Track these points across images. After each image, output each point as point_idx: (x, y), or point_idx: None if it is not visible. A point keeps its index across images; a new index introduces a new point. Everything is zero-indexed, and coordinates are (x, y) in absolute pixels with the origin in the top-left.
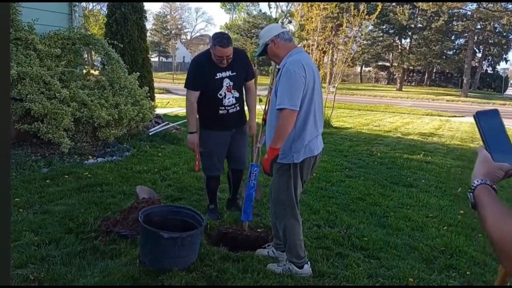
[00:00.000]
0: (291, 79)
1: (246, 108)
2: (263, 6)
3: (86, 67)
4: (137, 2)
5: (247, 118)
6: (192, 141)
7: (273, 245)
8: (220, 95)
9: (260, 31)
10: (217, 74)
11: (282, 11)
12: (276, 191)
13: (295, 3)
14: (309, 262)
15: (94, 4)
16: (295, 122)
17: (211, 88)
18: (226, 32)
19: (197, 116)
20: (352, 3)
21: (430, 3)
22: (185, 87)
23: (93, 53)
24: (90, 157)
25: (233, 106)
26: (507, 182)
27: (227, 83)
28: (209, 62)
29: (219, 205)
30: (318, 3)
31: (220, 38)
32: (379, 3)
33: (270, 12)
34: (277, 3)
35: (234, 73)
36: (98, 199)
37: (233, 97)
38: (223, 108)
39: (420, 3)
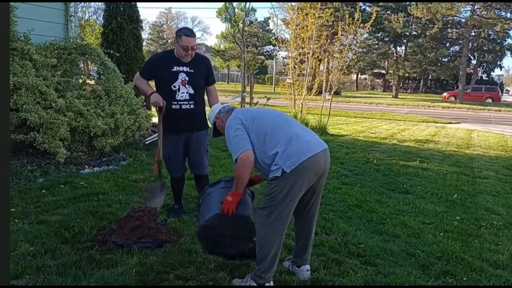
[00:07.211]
0: (229, 133)
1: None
2: (259, 15)
3: (82, 76)
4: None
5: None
6: (156, 99)
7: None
8: (174, 87)
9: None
10: (174, 67)
11: (241, 9)
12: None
13: (290, 12)
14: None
15: (90, 14)
16: (259, 156)
17: (166, 78)
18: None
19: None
20: (347, 12)
21: (425, 11)
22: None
23: (89, 62)
24: (86, 166)
25: (186, 102)
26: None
27: (182, 77)
28: (169, 56)
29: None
30: (313, 12)
31: (186, 29)
32: (373, 11)
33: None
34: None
35: (192, 71)
36: (94, 209)
37: (187, 92)
38: (175, 103)
39: (414, 11)
